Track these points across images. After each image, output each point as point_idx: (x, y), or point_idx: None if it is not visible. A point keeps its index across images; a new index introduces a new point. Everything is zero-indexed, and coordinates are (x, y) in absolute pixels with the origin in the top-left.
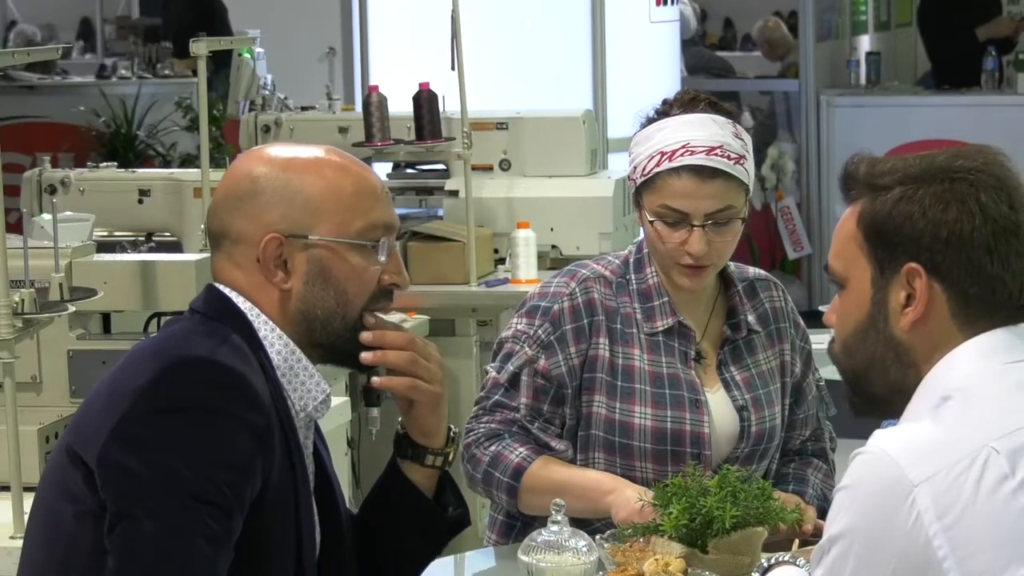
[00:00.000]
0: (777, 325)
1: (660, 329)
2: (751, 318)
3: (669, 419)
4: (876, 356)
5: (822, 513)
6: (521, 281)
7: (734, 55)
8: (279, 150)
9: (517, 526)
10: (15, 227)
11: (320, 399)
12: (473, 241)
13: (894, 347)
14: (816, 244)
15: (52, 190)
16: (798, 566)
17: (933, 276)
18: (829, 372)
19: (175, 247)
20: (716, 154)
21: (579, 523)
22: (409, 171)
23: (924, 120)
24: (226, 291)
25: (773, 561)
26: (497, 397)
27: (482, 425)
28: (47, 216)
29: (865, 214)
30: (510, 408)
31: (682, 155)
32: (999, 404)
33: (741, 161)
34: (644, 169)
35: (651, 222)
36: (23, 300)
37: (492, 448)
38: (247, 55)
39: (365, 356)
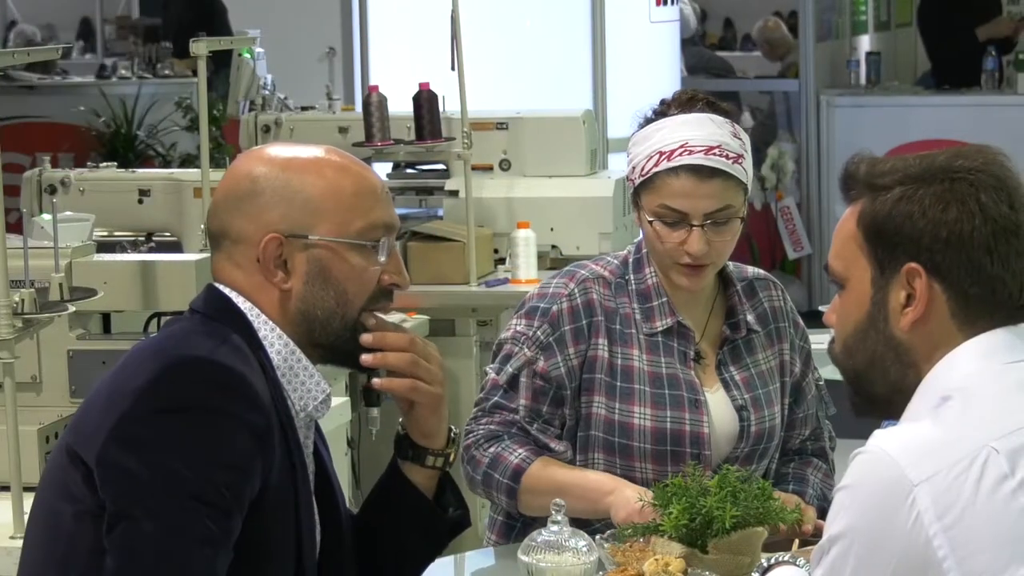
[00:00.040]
0: (776, 324)
1: (659, 329)
2: (750, 318)
3: (668, 419)
4: (876, 356)
5: (822, 513)
6: (521, 281)
7: (734, 55)
8: (279, 150)
9: (517, 527)
10: (15, 227)
11: (320, 399)
12: (473, 241)
13: (894, 347)
14: (816, 244)
15: (52, 190)
16: (798, 566)
17: (933, 276)
18: (829, 372)
19: (175, 247)
20: (714, 154)
21: (579, 523)
22: (409, 171)
23: (924, 120)
24: (226, 291)
25: (773, 561)
26: (496, 399)
27: (481, 427)
28: (47, 216)
29: (865, 214)
30: (509, 409)
31: (680, 155)
32: (999, 404)
33: (739, 160)
34: (642, 169)
35: (650, 222)
36: (23, 300)
37: (491, 449)
38: (247, 55)
39: (365, 358)
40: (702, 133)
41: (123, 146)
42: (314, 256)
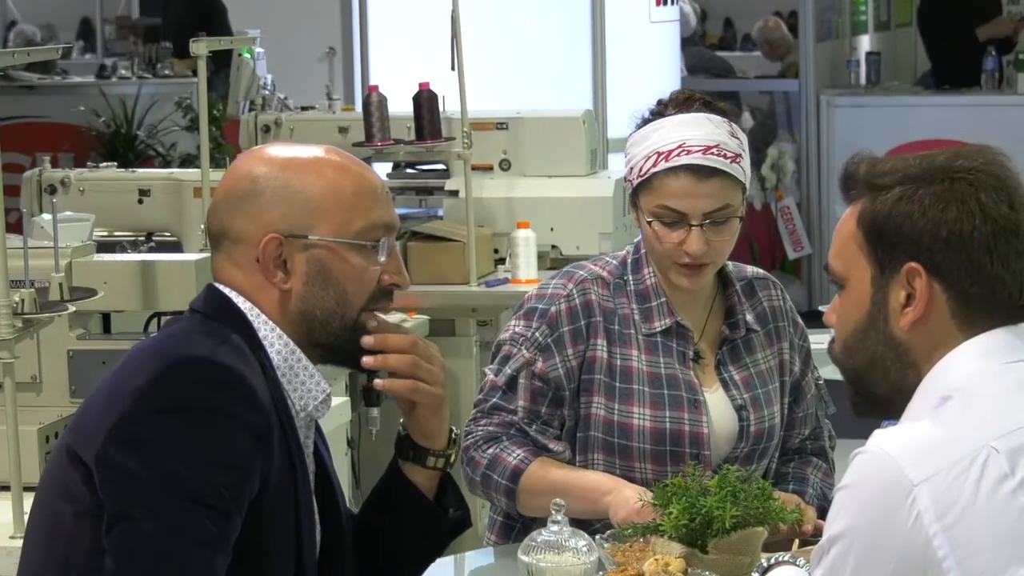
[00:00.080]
0: (775, 324)
1: (658, 330)
2: (749, 317)
3: (668, 420)
4: (876, 356)
5: (822, 512)
6: (521, 281)
7: (734, 55)
8: (279, 150)
9: (517, 527)
10: (15, 227)
11: (320, 399)
12: (473, 241)
13: (894, 347)
14: (816, 244)
15: (52, 190)
16: (798, 566)
17: (933, 276)
18: (829, 372)
19: (175, 247)
20: (712, 153)
21: (579, 523)
22: (409, 171)
23: (924, 120)
24: (226, 291)
25: (773, 561)
26: (495, 400)
27: (480, 428)
28: (47, 216)
29: (865, 214)
30: (508, 411)
31: (678, 155)
32: (999, 404)
33: (737, 159)
34: (641, 170)
35: (649, 223)
36: (23, 300)
37: (490, 451)
38: (247, 55)
39: (367, 360)
40: (700, 133)
41: (123, 146)
42: (314, 256)
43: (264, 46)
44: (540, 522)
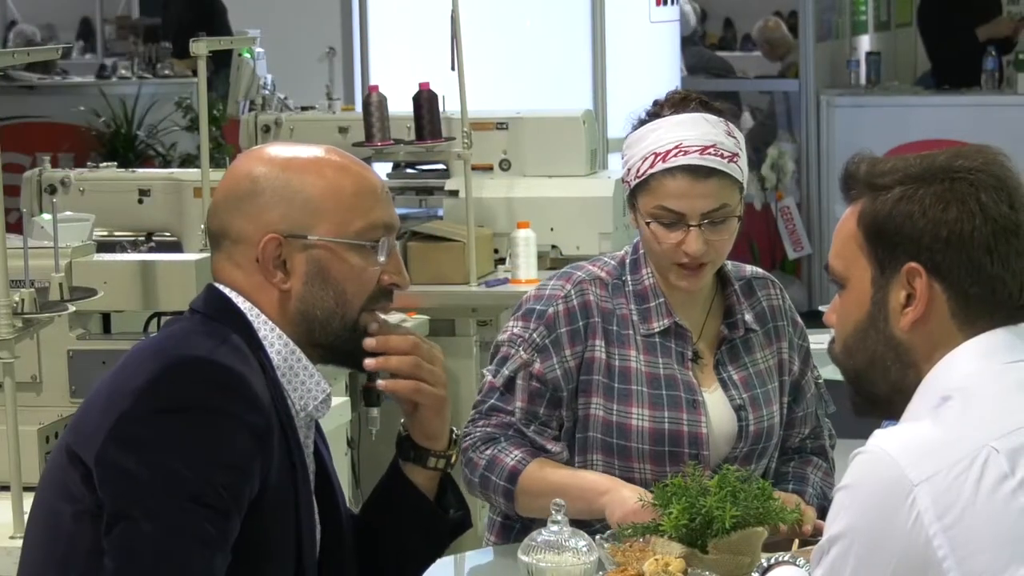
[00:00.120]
0: (775, 323)
1: (656, 330)
2: (748, 317)
3: (666, 420)
4: (876, 356)
5: (822, 512)
6: (521, 281)
7: (734, 55)
8: (279, 150)
9: (516, 528)
10: (15, 227)
11: (320, 399)
12: (473, 241)
13: (894, 347)
14: (816, 244)
15: (52, 190)
16: (798, 566)
17: (933, 276)
18: (830, 372)
19: (175, 247)
20: (710, 153)
21: (579, 523)
22: (409, 171)
23: (924, 120)
24: (226, 291)
25: (773, 561)
26: (493, 401)
27: (478, 429)
28: (47, 216)
29: (865, 214)
30: (506, 412)
31: (675, 155)
32: (999, 404)
33: (735, 159)
34: (638, 171)
35: (647, 224)
36: (23, 300)
37: (488, 452)
38: (247, 55)
39: (369, 362)
40: (696, 133)
41: (123, 146)
42: (313, 256)
43: (264, 46)
44: (539, 523)
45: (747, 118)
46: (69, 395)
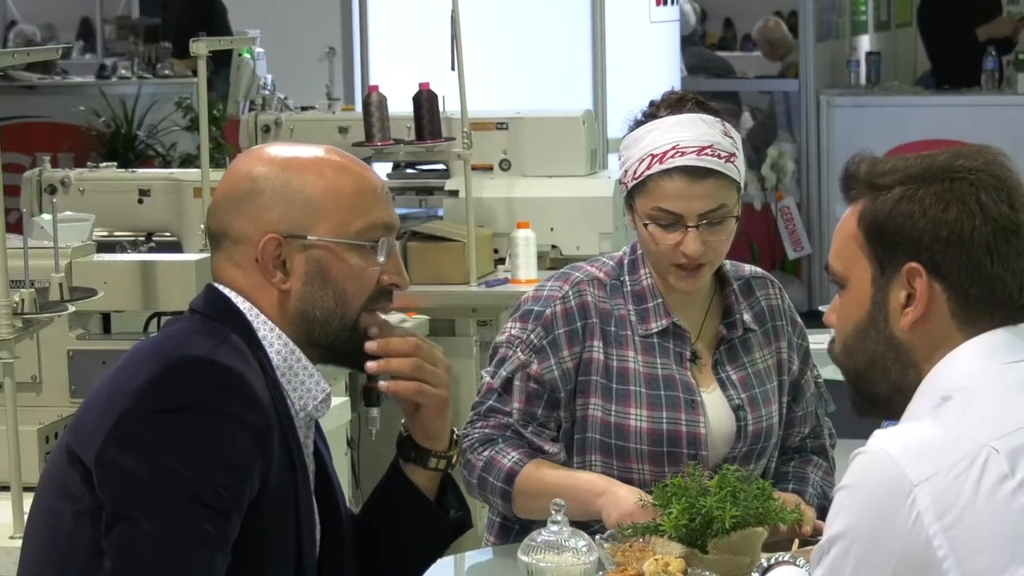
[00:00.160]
0: (773, 323)
1: (654, 330)
2: (747, 316)
3: (665, 420)
4: (876, 356)
5: (822, 512)
6: (521, 281)
7: (734, 55)
8: (279, 150)
9: (515, 528)
10: (15, 227)
11: (320, 398)
12: (473, 241)
13: (894, 347)
14: (816, 244)
15: (52, 190)
16: (798, 566)
17: (933, 276)
18: (830, 372)
19: (175, 247)
20: (707, 154)
21: (579, 523)
22: (409, 171)
23: (924, 120)
24: (226, 291)
25: (773, 561)
26: (491, 402)
27: (476, 430)
28: (47, 216)
29: (866, 214)
30: (503, 413)
31: (672, 156)
32: (999, 404)
33: (732, 159)
34: (635, 172)
35: (645, 225)
36: (23, 300)
37: (486, 453)
38: (247, 55)
39: (370, 365)
40: (693, 133)
41: (123, 146)
42: (313, 256)
43: (264, 46)
44: (539, 523)
45: (747, 118)
46: (69, 395)
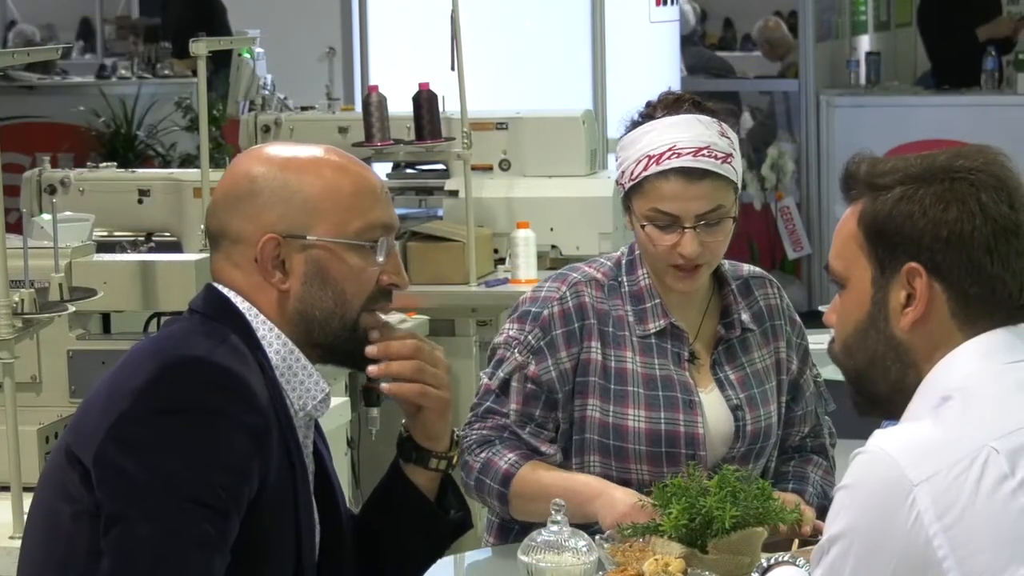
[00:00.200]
0: (772, 322)
1: (652, 331)
2: (745, 316)
3: (663, 421)
4: (876, 356)
5: (822, 511)
6: (521, 281)
7: (734, 55)
8: (278, 150)
9: (515, 529)
10: (15, 227)
11: (319, 398)
12: (473, 241)
13: (894, 347)
14: (816, 244)
15: (52, 190)
16: (798, 566)
17: (933, 276)
18: (830, 371)
19: (175, 247)
20: (703, 155)
21: (579, 523)
22: (409, 171)
23: (924, 120)
24: (225, 291)
25: (773, 561)
26: (488, 404)
27: (474, 432)
28: (47, 216)
29: (866, 214)
30: (501, 414)
31: (669, 158)
32: (999, 404)
33: (728, 160)
34: (632, 173)
35: (642, 226)
36: (23, 300)
37: (483, 455)
38: (247, 55)
39: (371, 369)
40: (690, 134)
41: (123, 146)
42: (312, 256)
43: (264, 46)
44: (538, 524)
45: (747, 118)
46: (69, 395)
